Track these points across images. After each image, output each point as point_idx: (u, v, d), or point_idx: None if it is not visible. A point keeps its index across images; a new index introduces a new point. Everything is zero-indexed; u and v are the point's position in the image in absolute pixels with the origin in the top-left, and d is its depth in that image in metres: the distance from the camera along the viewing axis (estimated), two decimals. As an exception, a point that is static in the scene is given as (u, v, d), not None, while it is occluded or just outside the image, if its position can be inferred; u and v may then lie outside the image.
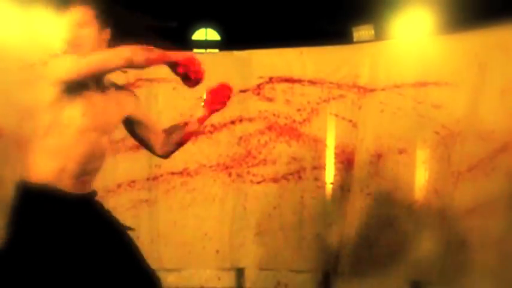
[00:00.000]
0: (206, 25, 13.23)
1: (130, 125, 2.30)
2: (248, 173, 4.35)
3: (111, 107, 2.12)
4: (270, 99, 4.33)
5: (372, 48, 4.27)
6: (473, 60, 3.68)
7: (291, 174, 4.31)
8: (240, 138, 4.36)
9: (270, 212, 4.32)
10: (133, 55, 1.90)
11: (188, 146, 4.30)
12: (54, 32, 2.14)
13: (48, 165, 1.99)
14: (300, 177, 4.30)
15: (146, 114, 2.38)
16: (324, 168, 4.28)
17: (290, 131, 4.31)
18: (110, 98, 2.13)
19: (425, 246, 3.88)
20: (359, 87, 4.17)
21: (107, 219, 2.16)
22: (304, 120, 4.30)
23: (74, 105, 1.99)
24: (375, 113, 4.10)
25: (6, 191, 2.74)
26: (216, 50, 10.89)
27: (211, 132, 4.34)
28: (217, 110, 2.61)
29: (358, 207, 4.12)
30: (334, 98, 4.24)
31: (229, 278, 4.41)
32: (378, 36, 4.34)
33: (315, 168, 4.29)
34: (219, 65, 4.41)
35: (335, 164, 4.25)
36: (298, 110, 4.30)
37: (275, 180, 4.32)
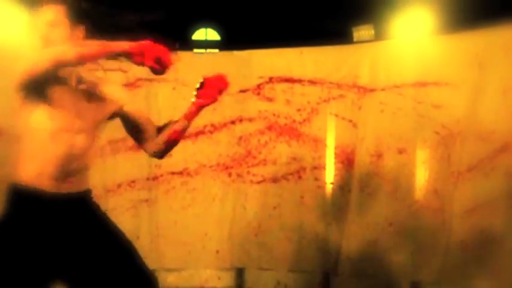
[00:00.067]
0: (206, 25, 13.21)
1: (123, 121, 2.29)
2: (248, 173, 4.35)
3: (88, 106, 2.07)
4: (270, 99, 4.33)
5: (372, 48, 4.27)
6: (473, 60, 3.68)
7: (291, 174, 4.31)
8: (240, 138, 4.36)
9: (270, 212, 4.32)
10: (59, 55, 1.83)
11: (188, 146, 4.34)
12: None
13: (27, 168, 1.99)
14: (300, 177, 4.30)
15: (138, 111, 2.33)
16: (324, 168, 4.28)
17: (290, 131, 4.31)
18: (87, 97, 2.08)
19: (425, 246, 3.88)
20: (359, 87, 4.17)
21: (99, 218, 2.14)
22: (304, 120, 4.30)
23: (41, 109, 1.96)
24: (375, 113, 4.10)
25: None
26: (216, 50, 10.86)
27: (211, 132, 4.34)
28: (207, 105, 2.47)
29: (358, 207, 4.12)
30: (334, 98, 4.25)
31: (229, 278, 4.41)
32: (378, 36, 4.33)
33: (315, 168, 4.29)
34: (219, 65, 4.41)
35: (335, 164, 4.25)
36: (298, 110, 4.30)
37: (275, 180, 4.33)
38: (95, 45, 1.90)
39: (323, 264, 4.26)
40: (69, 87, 2.04)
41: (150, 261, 4.27)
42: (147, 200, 4.28)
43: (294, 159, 4.30)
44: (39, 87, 1.94)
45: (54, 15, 2.01)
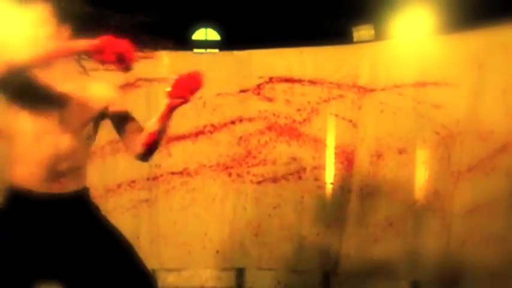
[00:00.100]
0: (206, 25, 13.23)
1: (111, 121, 2.29)
2: (248, 173, 4.35)
3: (73, 106, 2.06)
4: (270, 99, 4.33)
5: (372, 48, 4.27)
6: (473, 60, 3.68)
7: (291, 174, 4.31)
8: (240, 138, 4.36)
9: (270, 212, 4.33)
10: (9, 58, 1.80)
11: (188, 146, 4.34)
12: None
13: (18, 169, 1.99)
14: (300, 177, 4.30)
15: (125, 111, 2.33)
16: (324, 168, 4.28)
17: (290, 131, 4.31)
18: (71, 96, 2.06)
19: (425, 246, 3.88)
20: (359, 87, 4.17)
21: (95, 218, 2.13)
22: (304, 120, 4.30)
23: (24, 110, 1.95)
24: (375, 113, 4.10)
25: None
26: (216, 50, 10.88)
27: (211, 132, 4.34)
28: (177, 106, 2.37)
29: (358, 207, 4.12)
30: (334, 98, 4.24)
31: (229, 278, 4.41)
32: (378, 36, 4.34)
33: (315, 168, 4.29)
34: (219, 65, 4.41)
35: (335, 164, 4.25)
36: (298, 110, 4.30)
37: (275, 180, 4.33)
38: (52, 46, 1.87)
39: (323, 264, 4.26)
40: (52, 88, 2.01)
41: (150, 261, 4.27)
42: (147, 200, 4.28)
43: (294, 159, 4.30)
44: (11, 89, 1.92)
45: (40, 13, 1.98)
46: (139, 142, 2.31)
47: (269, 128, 4.34)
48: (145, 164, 4.23)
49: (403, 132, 4.01)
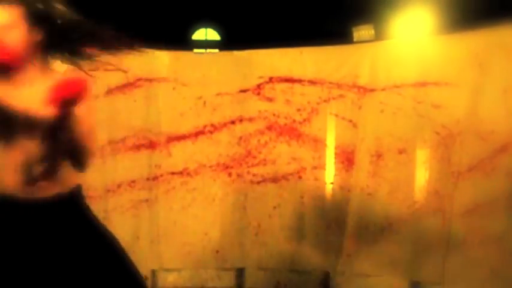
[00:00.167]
0: (206, 25, 13.23)
1: None
2: (248, 173, 4.35)
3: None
4: (270, 99, 4.33)
5: (372, 48, 4.27)
6: (473, 60, 3.68)
7: (291, 174, 4.31)
8: (240, 138, 4.36)
9: (270, 212, 4.33)
10: None
11: (188, 146, 4.34)
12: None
13: None
14: (300, 177, 4.30)
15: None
16: (324, 168, 4.28)
17: (290, 131, 4.31)
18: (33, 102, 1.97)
19: (425, 246, 3.88)
20: (359, 87, 4.17)
21: (84, 220, 2.09)
22: (304, 120, 4.30)
23: None
24: (375, 113, 4.10)
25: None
26: (216, 50, 10.88)
27: (211, 132, 4.34)
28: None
29: (358, 207, 4.12)
30: (334, 98, 4.25)
31: (229, 278, 4.41)
32: (378, 36, 4.34)
33: (315, 168, 4.29)
34: (219, 65, 4.41)
35: (335, 164, 4.25)
36: (298, 110, 4.30)
37: (275, 180, 4.33)
38: None
39: (323, 264, 4.26)
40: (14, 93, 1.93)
41: (150, 261, 4.30)
42: (147, 200, 4.28)
43: (294, 159, 4.30)
44: None
45: (10, 16, 1.90)
46: None
47: (269, 128, 4.34)
48: (145, 164, 4.26)
49: (403, 132, 4.01)
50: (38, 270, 1.93)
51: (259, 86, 4.34)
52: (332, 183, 4.27)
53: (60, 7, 1.98)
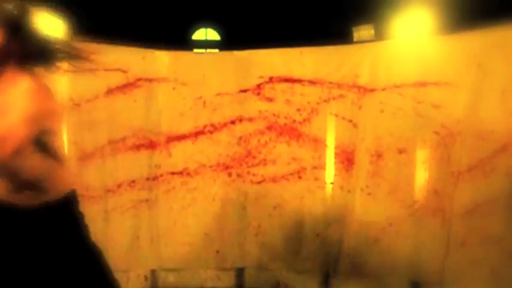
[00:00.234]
0: (206, 25, 13.24)
1: None
2: (248, 173, 4.35)
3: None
4: (270, 99, 4.33)
5: (372, 48, 4.27)
6: (472, 61, 3.68)
7: (291, 174, 4.31)
8: (240, 138, 4.36)
9: (270, 212, 4.33)
10: None
11: (188, 146, 4.35)
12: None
13: None
14: (300, 177, 4.30)
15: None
16: (324, 168, 4.28)
17: (290, 131, 4.31)
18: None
19: (425, 246, 3.88)
20: (359, 87, 4.17)
21: (67, 229, 2.07)
22: (304, 120, 4.30)
23: None
24: (375, 113, 4.10)
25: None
26: (216, 50, 10.89)
27: (211, 132, 4.35)
28: None
29: (358, 207, 4.12)
30: (334, 98, 4.25)
31: (229, 278, 4.41)
32: (378, 36, 4.34)
33: (315, 168, 4.29)
34: (219, 65, 4.42)
35: (335, 164, 4.26)
36: (298, 110, 4.30)
37: (275, 180, 4.33)
38: None
39: (323, 264, 4.27)
40: None
41: (150, 261, 4.30)
42: (147, 200, 4.28)
43: (294, 159, 4.30)
44: None
45: None
46: None
47: (269, 128, 4.34)
48: (145, 164, 4.26)
49: (403, 132, 4.01)
50: (14, 277, 1.93)
51: (259, 86, 4.34)
52: (332, 183, 4.27)
53: (34, 21, 1.97)
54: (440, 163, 3.87)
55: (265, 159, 4.34)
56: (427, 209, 3.91)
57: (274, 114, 4.33)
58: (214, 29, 13.29)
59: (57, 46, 2.04)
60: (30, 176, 1.95)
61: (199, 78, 4.33)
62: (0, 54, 1.89)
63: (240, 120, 4.36)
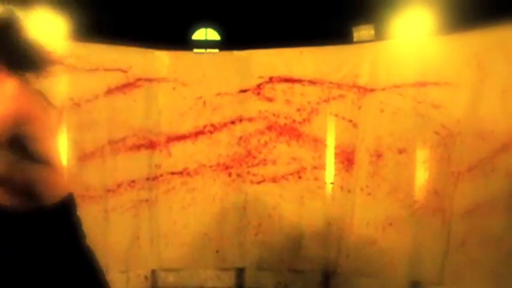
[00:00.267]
0: (206, 25, 13.24)
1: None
2: (248, 173, 4.35)
3: None
4: (270, 99, 4.33)
5: (372, 48, 4.27)
6: (473, 60, 3.68)
7: (291, 174, 4.31)
8: (240, 138, 4.36)
9: (270, 212, 4.33)
10: None
11: (188, 146, 4.35)
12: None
13: None
14: (300, 177, 4.30)
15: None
16: (324, 168, 4.28)
17: (290, 131, 4.31)
18: None
19: (425, 246, 3.88)
20: (359, 87, 4.17)
21: (55, 233, 2.05)
22: (304, 120, 4.30)
23: None
24: (374, 113, 4.10)
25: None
26: (216, 50, 10.89)
27: (211, 132, 4.35)
28: None
29: (358, 207, 4.12)
30: (334, 98, 4.25)
31: (229, 278, 4.41)
32: (378, 36, 4.34)
33: (315, 168, 4.29)
34: (219, 65, 4.42)
35: (335, 164, 4.26)
36: (298, 110, 4.30)
37: (275, 180, 4.33)
38: None
39: (323, 264, 4.27)
40: None
41: (150, 261, 4.30)
42: (147, 200, 4.28)
43: (294, 159, 4.31)
44: None
45: None
46: None
47: (269, 128, 4.34)
48: (145, 164, 4.26)
49: (403, 132, 4.01)
50: (7, 282, 1.92)
51: (259, 86, 4.34)
52: (332, 183, 4.27)
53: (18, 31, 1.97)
54: (440, 163, 3.87)
55: (265, 159, 4.34)
56: (427, 209, 3.90)
57: (274, 114, 4.33)
58: (214, 29, 13.29)
59: (43, 53, 2.04)
60: (16, 181, 1.94)
61: (199, 78, 4.33)
62: None
63: (240, 120, 4.36)
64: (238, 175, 4.37)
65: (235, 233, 4.37)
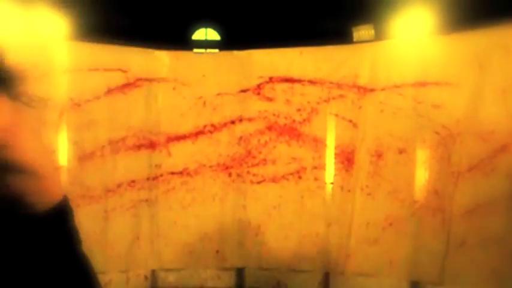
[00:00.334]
0: (206, 25, 13.23)
1: None
2: (248, 173, 4.36)
3: None
4: (270, 99, 4.33)
5: (372, 48, 4.27)
6: (473, 60, 3.68)
7: (291, 174, 4.31)
8: (240, 138, 4.36)
9: (270, 212, 4.33)
10: None
11: (188, 146, 4.35)
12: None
13: None
14: (300, 177, 4.30)
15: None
16: (324, 168, 4.28)
17: (290, 131, 4.31)
18: None
19: (425, 246, 3.88)
20: (359, 87, 4.17)
21: (46, 240, 2.05)
22: (304, 120, 4.30)
23: None
24: (375, 113, 4.10)
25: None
26: (216, 50, 10.88)
27: (211, 132, 4.35)
28: None
29: (358, 207, 4.12)
30: (334, 98, 4.25)
31: (229, 278, 4.41)
32: (378, 36, 4.33)
33: (315, 168, 4.29)
34: (219, 65, 4.42)
35: (335, 164, 4.26)
36: (298, 110, 4.30)
37: (275, 180, 4.33)
38: None
39: (323, 264, 4.26)
40: None
41: (150, 261, 4.30)
42: (147, 200, 4.28)
43: (294, 159, 4.31)
44: None
45: None
46: None
47: (269, 128, 4.34)
48: (145, 164, 4.26)
49: (403, 132, 4.01)
50: None
51: (259, 86, 4.34)
52: (332, 183, 4.27)
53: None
54: (440, 163, 3.87)
55: (265, 159, 4.34)
56: (427, 209, 3.90)
57: (274, 114, 4.33)
58: (214, 29, 13.28)
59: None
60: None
61: (199, 78, 4.33)
62: None
63: (240, 120, 4.36)
64: (238, 175, 4.37)
65: (235, 233, 4.37)
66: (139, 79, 4.21)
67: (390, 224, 4.02)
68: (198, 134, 4.33)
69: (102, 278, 3.93)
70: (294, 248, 4.30)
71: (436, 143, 3.88)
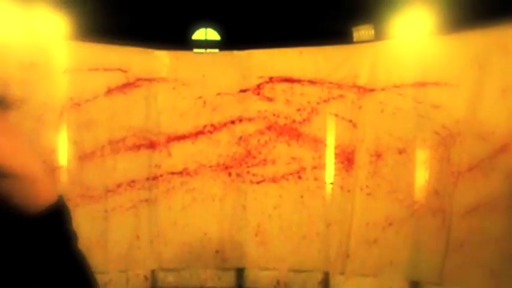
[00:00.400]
0: (206, 25, 13.23)
1: None
2: (248, 173, 4.36)
3: None
4: (270, 99, 4.33)
5: (372, 48, 4.27)
6: (473, 61, 3.68)
7: (291, 174, 4.31)
8: (240, 138, 4.36)
9: (270, 212, 4.33)
10: None
11: (188, 146, 4.35)
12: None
13: None
14: (300, 177, 4.30)
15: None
16: (324, 168, 4.29)
17: (290, 131, 4.31)
18: None
19: (425, 246, 3.88)
20: (359, 87, 4.17)
21: (39, 242, 2.04)
22: (304, 120, 4.30)
23: None
24: (374, 113, 4.10)
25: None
26: (216, 50, 10.88)
27: (211, 132, 4.35)
28: None
29: (358, 207, 4.12)
30: (334, 98, 4.25)
31: (229, 278, 4.41)
32: (378, 36, 4.33)
33: (314, 168, 4.29)
34: (219, 65, 4.42)
35: (335, 164, 4.26)
36: (298, 110, 4.30)
37: (275, 180, 4.33)
38: None
39: (323, 264, 4.26)
40: None
41: (150, 261, 4.30)
42: (147, 200, 4.28)
43: (294, 159, 4.31)
44: None
45: None
46: None
47: (269, 128, 4.34)
48: (145, 164, 4.26)
49: (403, 132, 4.01)
50: None
51: (259, 86, 4.34)
52: (332, 183, 4.27)
53: None
54: (440, 163, 3.87)
55: (265, 159, 4.34)
56: (427, 209, 3.91)
57: (274, 114, 4.33)
58: (214, 29, 13.28)
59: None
60: None
61: (199, 78, 4.33)
62: None
63: (240, 120, 4.36)
64: (238, 175, 4.37)
65: (235, 233, 4.37)
66: (140, 79, 4.21)
67: (390, 224, 4.02)
68: (198, 134, 4.33)
69: (102, 278, 3.93)
70: (294, 248, 4.30)
71: (436, 143, 3.88)
